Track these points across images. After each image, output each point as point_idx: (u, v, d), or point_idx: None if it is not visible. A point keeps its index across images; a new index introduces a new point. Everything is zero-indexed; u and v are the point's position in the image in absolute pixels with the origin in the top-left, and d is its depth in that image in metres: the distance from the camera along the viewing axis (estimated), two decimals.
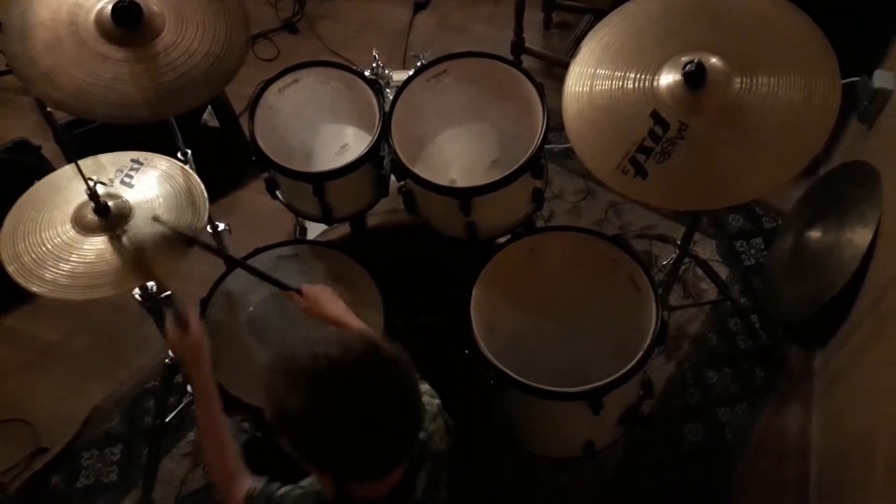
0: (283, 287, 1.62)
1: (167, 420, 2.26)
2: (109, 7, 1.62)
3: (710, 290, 2.57)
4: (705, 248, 2.68)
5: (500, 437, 1.91)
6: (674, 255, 2.26)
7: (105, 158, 1.78)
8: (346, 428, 1.05)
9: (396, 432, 1.10)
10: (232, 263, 1.86)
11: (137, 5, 1.63)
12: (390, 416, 1.07)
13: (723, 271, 2.61)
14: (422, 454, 1.24)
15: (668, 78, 1.63)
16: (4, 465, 2.35)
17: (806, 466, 2.21)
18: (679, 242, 2.20)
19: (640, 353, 1.68)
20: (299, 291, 1.58)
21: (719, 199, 1.65)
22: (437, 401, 1.34)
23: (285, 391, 1.06)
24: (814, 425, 2.27)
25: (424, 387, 1.35)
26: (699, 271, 2.55)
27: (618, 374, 1.65)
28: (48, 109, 1.66)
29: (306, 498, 1.22)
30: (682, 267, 2.45)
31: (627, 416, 1.84)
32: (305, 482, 1.25)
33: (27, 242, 1.60)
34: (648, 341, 1.70)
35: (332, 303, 1.56)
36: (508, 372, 1.68)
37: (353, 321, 1.53)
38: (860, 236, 2.15)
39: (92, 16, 1.63)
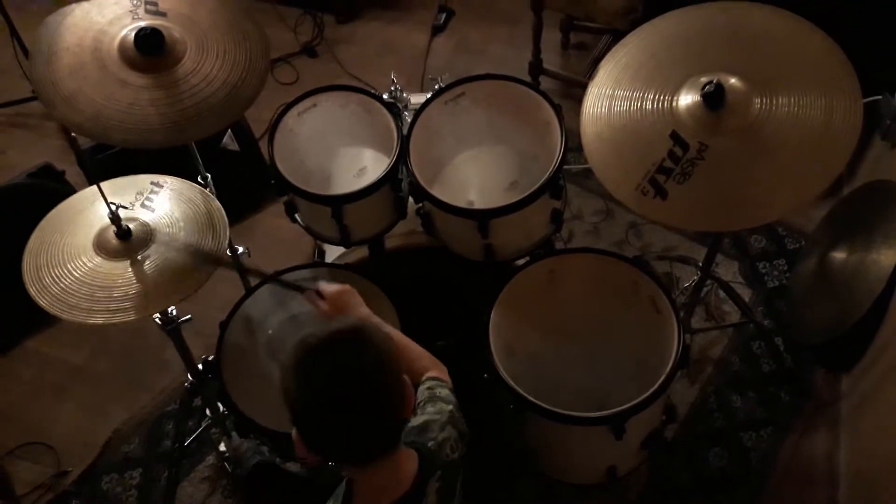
0: (299, 289, 1.54)
1: (186, 444, 2.27)
2: (133, 35, 1.65)
3: (733, 313, 2.54)
4: (728, 270, 2.65)
5: (519, 462, 1.88)
6: (695, 277, 2.23)
7: (125, 181, 1.80)
8: (320, 404, 1.08)
9: (370, 413, 1.10)
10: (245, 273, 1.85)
11: (159, 33, 1.66)
12: (361, 395, 1.09)
13: (746, 293, 2.57)
14: (431, 462, 1.23)
15: (687, 98, 1.62)
16: (26, 487, 2.35)
17: (834, 492, 2.16)
18: (701, 264, 2.17)
19: (663, 377, 1.66)
20: (318, 293, 1.50)
21: (741, 220, 1.63)
22: (449, 407, 1.33)
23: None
24: (842, 449, 2.22)
25: (443, 391, 1.35)
26: (722, 293, 2.52)
27: (641, 399, 1.63)
28: (72, 135, 1.68)
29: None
30: (705, 289, 2.42)
31: (650, 441, 1.81)
32: None
33: (49, 266, 1.61)
34: (671, 365, 1.68)
35: (358, 307, 1.50)
36: (528, 396, 1.67)
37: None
38: (886, 257, 2.11)
39: (116, 42, 1.66)
